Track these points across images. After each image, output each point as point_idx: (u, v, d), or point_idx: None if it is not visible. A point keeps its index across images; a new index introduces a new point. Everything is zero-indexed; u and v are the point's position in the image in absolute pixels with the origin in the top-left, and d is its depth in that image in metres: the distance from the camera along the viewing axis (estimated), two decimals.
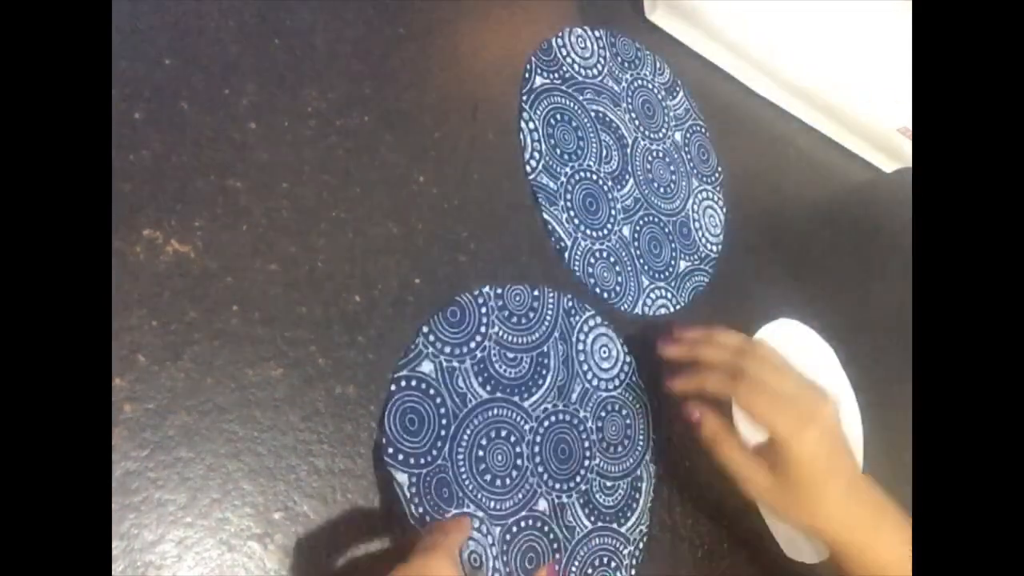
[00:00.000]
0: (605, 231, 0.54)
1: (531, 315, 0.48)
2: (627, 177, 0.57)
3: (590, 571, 0.46)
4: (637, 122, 0.60)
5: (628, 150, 0.58)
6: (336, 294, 0.42)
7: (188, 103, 0.40)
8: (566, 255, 0.51)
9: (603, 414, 0.49)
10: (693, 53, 0.65)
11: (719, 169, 0.63)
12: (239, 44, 0.42)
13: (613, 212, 0.55)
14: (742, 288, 0.61)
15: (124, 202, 0.37)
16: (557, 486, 0.46)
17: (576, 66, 0.58)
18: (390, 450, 0.40)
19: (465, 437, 0.43)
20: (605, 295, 0.52)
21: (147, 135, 0.38)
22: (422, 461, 0.41)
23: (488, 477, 0.43)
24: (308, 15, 0.45)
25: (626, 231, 0.55)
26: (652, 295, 0.55)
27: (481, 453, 0.43)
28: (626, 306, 0.53)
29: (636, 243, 0.55)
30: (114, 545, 0.33)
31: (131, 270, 0.36)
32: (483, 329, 0.45)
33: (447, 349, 0.44)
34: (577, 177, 0.54)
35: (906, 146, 0.71)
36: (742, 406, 0.44)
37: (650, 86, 0.62)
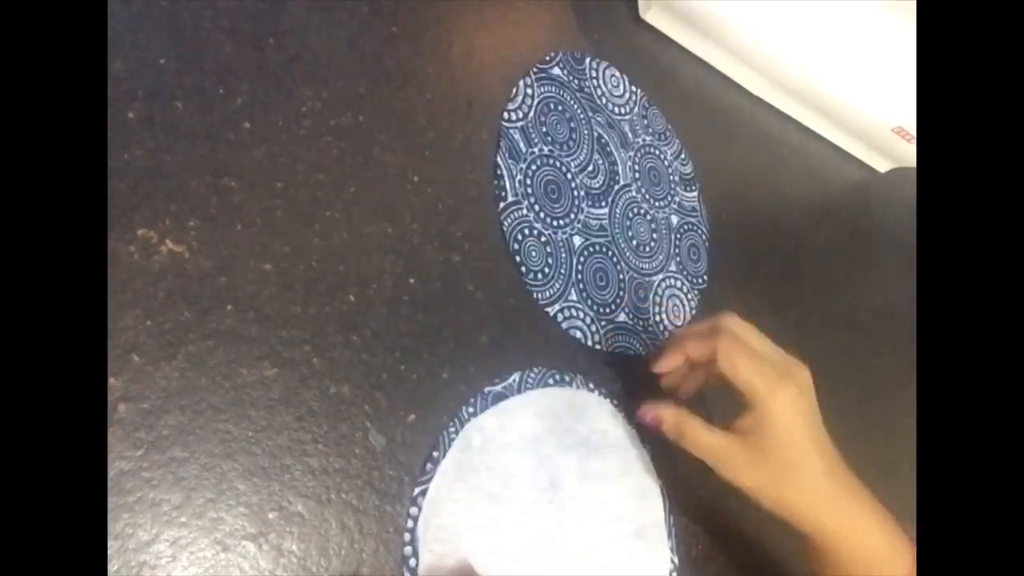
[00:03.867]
0: (559, 222, 0.51)
1: None
2: (604, 204, 0.55)
3: None
4: (639, 176, 0.58)
5: (617, 188, 0.56)
6: (330, 294, 0.42)
7: (182, 102, 0.40)
8: (500, 206, 0.49)
9: None
10: (687, 53, 0.65)
11: (705, 276, 0.60)
12: (233, 44, 0.42)
13: (574, 212, 0.53)
14: (737, 287, 0.62)
15: (118, 202, 0.37)
16: None
17: (600, 91, 0.57)
18: None
19: None
20: (528, 276, 0.49)
21: (141, 134, 0.38)
22: None
23: None
24: (302, 15, 0.45)
25: (577, 241, 0.52)
26: (573, 312, 0.51)
27: None
28: (543, 300, 0.49)
29: (581, 263, 0.52)
30: (109, 545, 0.33)
31: (125, 270, 0.36)
32: None
33: None
34: (551, 161, 0.52)
35: (900, 146, 0.71)
36: (722, 361, 0.43)
37: (666, 163, 0.61)
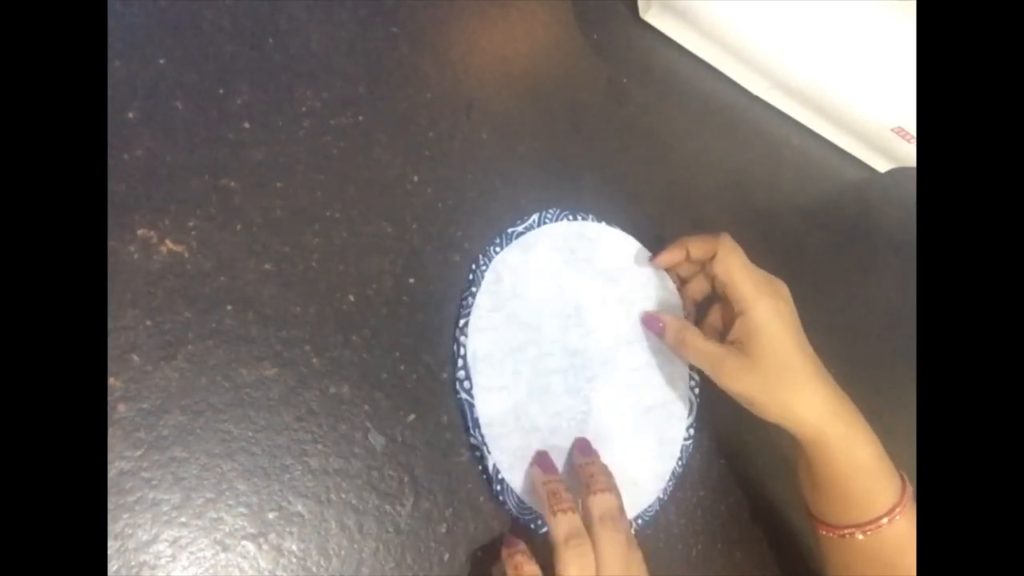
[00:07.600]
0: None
1: None
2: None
3: None
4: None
5: None
6: (330, 294, 0.42)
7: (182, 103, 0.40)
8: None
9: None
10: (687, 53, 0.65)
11: None
12: (233, 44, 0.42)
13: None
14: None
15: (118, 202, 0.37)
16: None
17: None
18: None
19: None
20: None
21: (141, 134, 0.38)
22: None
23: None
24: (302, 15, 0.45)
25: None
26: None
27: None
28: None
29: None
30: (109, 545, 0.33)
31: (125, 270, 0.36)
32: None
33: None
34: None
35: (900, 146, 0.71)
36: (720, 262, 0.47)
37: None
